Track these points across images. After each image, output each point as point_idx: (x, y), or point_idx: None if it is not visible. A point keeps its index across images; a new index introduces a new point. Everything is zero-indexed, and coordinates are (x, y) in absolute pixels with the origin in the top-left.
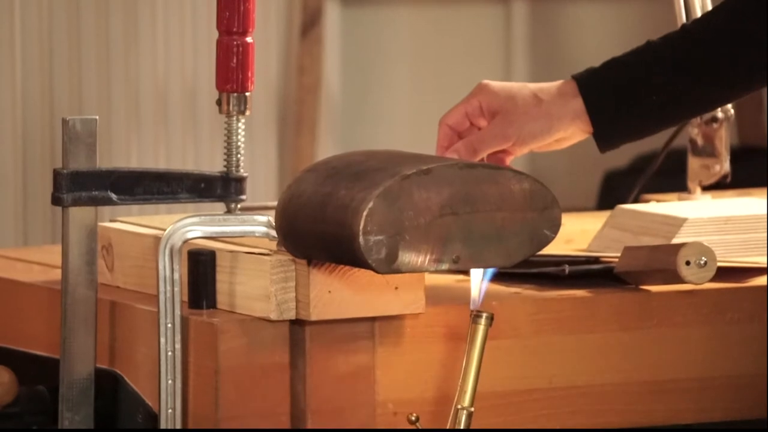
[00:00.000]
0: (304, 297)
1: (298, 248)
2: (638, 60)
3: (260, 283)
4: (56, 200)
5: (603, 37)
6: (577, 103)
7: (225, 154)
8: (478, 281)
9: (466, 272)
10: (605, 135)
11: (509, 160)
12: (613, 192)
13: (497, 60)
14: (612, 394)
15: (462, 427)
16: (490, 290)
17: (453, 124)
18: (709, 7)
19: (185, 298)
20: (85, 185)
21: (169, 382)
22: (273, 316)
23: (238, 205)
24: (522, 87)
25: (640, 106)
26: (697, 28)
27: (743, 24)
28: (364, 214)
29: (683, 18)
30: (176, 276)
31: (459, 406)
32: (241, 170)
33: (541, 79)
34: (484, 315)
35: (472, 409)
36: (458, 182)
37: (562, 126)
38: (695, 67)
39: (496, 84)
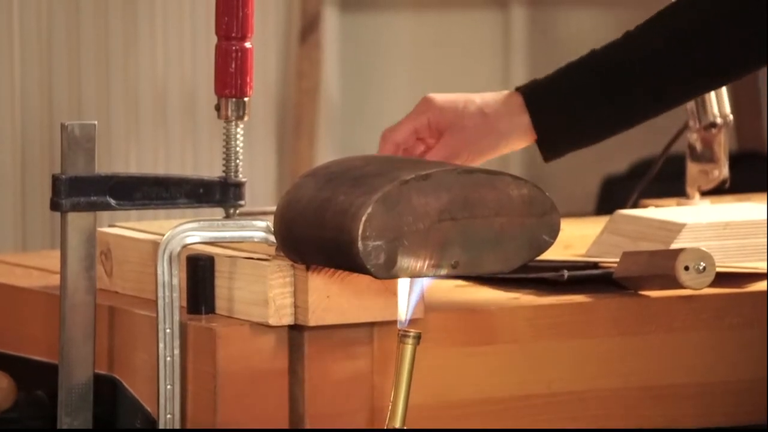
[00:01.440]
0: (303, 302)
1: (297, 253)
2: (582, 69)
3: (259, 289)
4: (55, 205)
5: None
6: (524, 119)
7: (224, 159)
8: (406, 297)
9: (466, 277)
10: (551, 147)
11: None
12: (611, 197)
13: (496, 65)
14: (611, 399)
15: None
16: (489, 295)
17: (401, 141)
18: None
19: (184, 304)
20: (84, 190)
21: (168, 387)
22: (272, 322)
23: (237, 210)
24: (468, 102)
25: (586, 118)
26: (638, 33)
27: (685, 29)
28: (363, 219)
29: None
30: (175, 281)
31: (391, 427)
32: (240, 175)
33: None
34: (412, 334)
35: (405, 428)
36: (457, 187)
37: (510, 142)
38: (637, 71)
39: (441, 99)
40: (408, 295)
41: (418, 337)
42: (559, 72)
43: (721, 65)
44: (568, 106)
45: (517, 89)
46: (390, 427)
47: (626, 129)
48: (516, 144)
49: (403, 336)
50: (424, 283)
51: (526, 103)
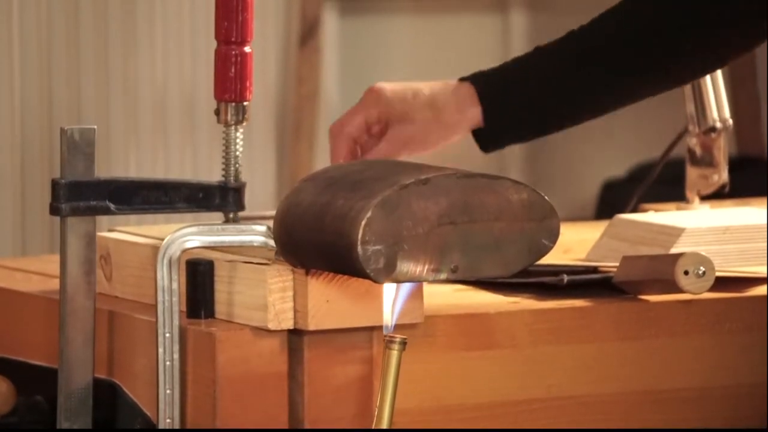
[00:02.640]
0: (303, 306)
1: (297, 258)
2: (532, 62)
3: (258, 293)
4: (54, 210)
5: None
6: (475, 112)
7: (223, 163)
8: (391, 303)
9: (465, 282)
10: (495, 139)
11: None
12: (611, 202)
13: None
14: (611, 403)
15: None
16: (489, 300)
17: (356, 135)
18: None
19: (183, 308)
20: (84, 195)
21: (168, 391)
22: (271, 326)
23: (237, 215)
24: (416, 93)
25: (537, 111)
26: (584, 30)
27: (632, 28)
28: (363, 223)
29: None
30: (174, 286)
31: None
32: (240, 180)
33: None
34: (398, 340)
35: (405, 428)
36: (456, 192)
37: (456, 134)
38: (589, 61)
39: (389, 90)
40: (393, 300)
41: (403, 343)
42: (506, 65)
43: (675, 63)
44: (520, 99)
45: (465, 79)
46: None
47: (575, 124)
48: (461, 136)
49: (388, 342)
50: (409, 288)
51: (479, 95)
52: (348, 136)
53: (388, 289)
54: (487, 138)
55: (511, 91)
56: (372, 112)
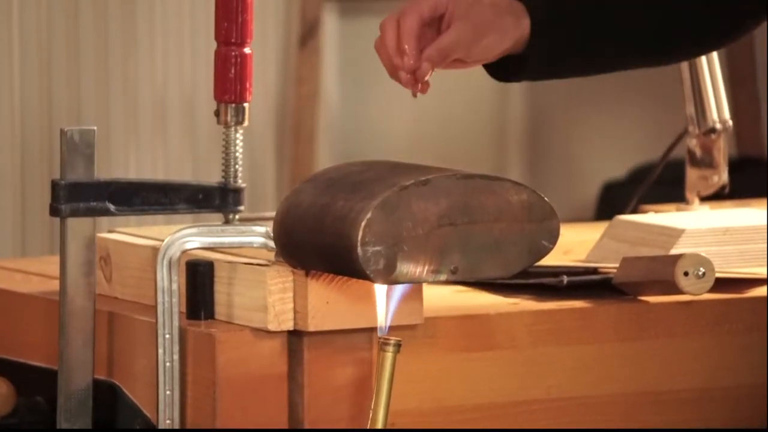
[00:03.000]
0: (303, 308)
1: (297, 259)
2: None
3: (258, 294)
4: (54, 211)
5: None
6: (526, 24)
7: (223, 164)
8: (384, 305)
9: (465, 283)
10: (523, 65)
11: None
12: (611, 203)
13: None
14: (610, 405)
15: None
16: (489, 301)
17: (427, 17)
18: None
19: (183, 309)
20: (83, 196)
21: (168, 393)
22: (271, 327)
23: (236, 216)
24: None
25: (576, 52)
26: None
27: None
28: (363, 224)
29: None
30: (174, 287)
31: None
32: (239, 181)
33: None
34: (392, 342)
35: (404, 429)
36: (456, 193)
37: (507, 43)
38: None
39: None
40: (386, 301)
41: (398, 345)
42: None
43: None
44: (568, 23)
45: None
46: None
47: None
48: (508, 48)
49: (383, 344)
50: (403, 289)
51: (529, 11)
52: (418, 16)
53: (381, 290)
54: (517, 62)
55: (558, 14)
56: (442, 2)
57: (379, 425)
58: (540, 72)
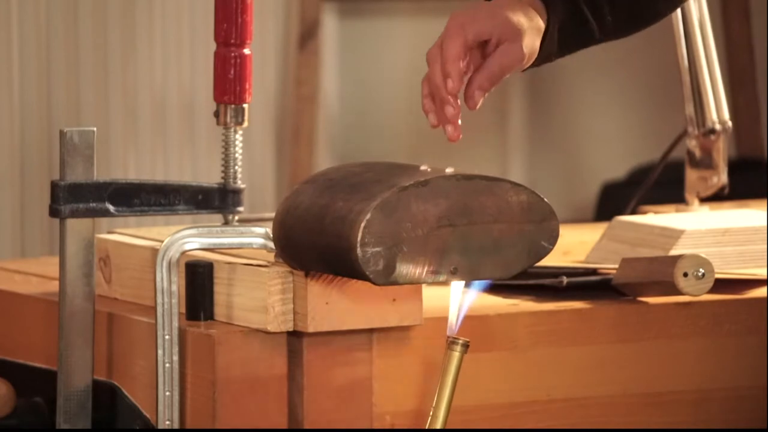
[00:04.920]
0: (302, 308)
1: (296, 260)
2: None
3: (258, 295)
4: (54, 212)
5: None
6: (545, 16)
7: (222, 165)
8: (457, 306)
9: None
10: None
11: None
12: (610, 204)
13: None
14: (610, 405)
15: None
16: (488, 302)
17: (471, 42)
18: (708, 26)
19: (183, 310)
20: (83, 197)
21: (167, 393)
22: (271, 328)
23: (236, 217)
24: (504, 6)
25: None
26: None
27: None
28: (362, 225)
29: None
30: (174, 288)
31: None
32: (239, 182)
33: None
34: (460, 342)
35: (402, 429)
36: (456, 194)
37: (539, 38)
38: None
39: (482, 12)
40: (459, 301)
41: (466, 345)
42: None
43: None
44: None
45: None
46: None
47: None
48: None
49: (451, 343)
50: (476, 290)
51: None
52: (457, 58)
53: (455, 289)
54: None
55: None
56: (486, 24)
57: (439, 423)
58: (553, 55)
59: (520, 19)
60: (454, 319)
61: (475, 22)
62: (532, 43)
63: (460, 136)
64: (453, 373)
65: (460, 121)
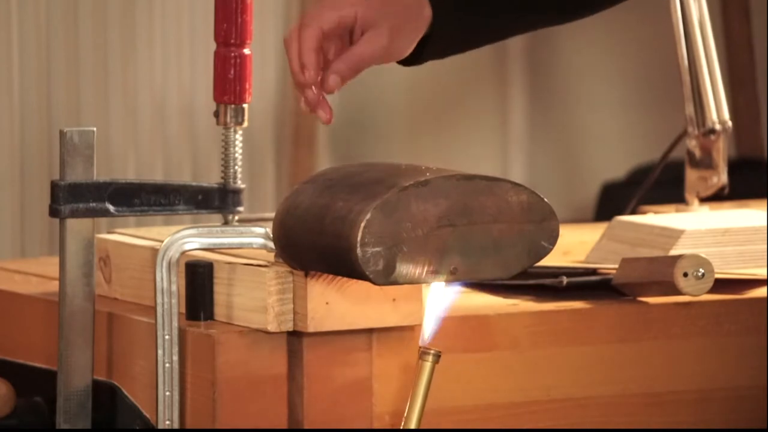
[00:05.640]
0: (302, 309)
1: (296, 260)
2: None
3: (258, 295)
4: (54, 212)
5: (600, 58)
6: (428, 13)
7: (222, 165)
8: (432, 317)
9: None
10: (430, 50)
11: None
12: (610, 203)
13: (493, 69)
14: (610, 406)
15: None
16: (488, 302)
17: (328, 30)
18: (708, 26)
19: (183, 310)
20: (83, 197)
21: (167, 393)
22: (271, 328)
23: (236, 217)
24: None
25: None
26: None
27: None
28: (362, 225)
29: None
30: (174, 288)
31: None
32: (239, 182)
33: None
34: (432, 352)
35: (402, 428)
36: (456, 194)
37: (422, 32)
38: None
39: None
40: (432, 311)
41: (438, 356)
42: None
43: None
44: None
45: None
46: None
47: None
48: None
49: (423, 353)
50: (450, 299)
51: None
52: (318, 29)
53: (430, 298)
54: (421, 45)
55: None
56: (348, 11)
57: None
58: (448, 50)
59: (386, 7)
60: (426, 329)
61: (333, 10)
62: (399, 32)
63: (332, 118)
64: (424, 384)
65: (330, 104)
